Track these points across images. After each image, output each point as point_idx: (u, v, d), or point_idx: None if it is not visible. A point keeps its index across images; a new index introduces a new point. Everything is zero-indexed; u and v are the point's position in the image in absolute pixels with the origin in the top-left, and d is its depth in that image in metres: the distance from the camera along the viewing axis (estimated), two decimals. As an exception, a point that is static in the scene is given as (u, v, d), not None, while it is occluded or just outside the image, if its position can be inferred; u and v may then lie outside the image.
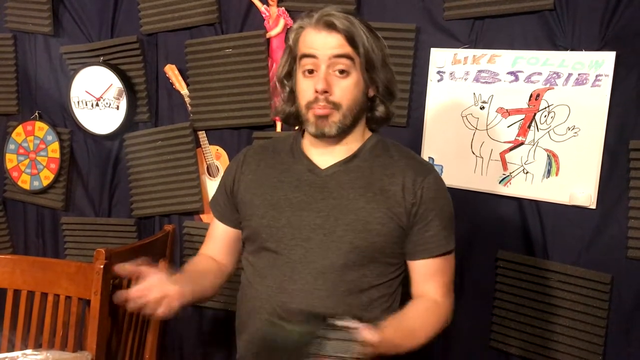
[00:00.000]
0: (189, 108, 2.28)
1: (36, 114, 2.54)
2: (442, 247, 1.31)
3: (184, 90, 2.28)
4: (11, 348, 1.71)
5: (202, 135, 2.29)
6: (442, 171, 1.91)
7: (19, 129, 2.56)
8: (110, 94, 2.37)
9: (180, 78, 2.27)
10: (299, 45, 1.29)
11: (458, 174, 1.90)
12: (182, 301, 1.21)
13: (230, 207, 1.42)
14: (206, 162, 2.30)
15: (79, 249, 2.54)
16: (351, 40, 1.22)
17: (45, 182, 2.53)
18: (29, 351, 1.55)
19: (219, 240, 1.45)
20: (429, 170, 1.33)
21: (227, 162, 2.28)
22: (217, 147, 2.29)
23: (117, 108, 2.37)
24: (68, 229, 2.56)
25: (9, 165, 2.59)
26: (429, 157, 1.92)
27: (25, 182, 2.57)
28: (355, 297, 1.25)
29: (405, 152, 1.37)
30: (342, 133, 1.29)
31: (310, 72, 1.25)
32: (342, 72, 1.24)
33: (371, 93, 1.32)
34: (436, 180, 1.32)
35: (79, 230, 2.54)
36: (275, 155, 1.39)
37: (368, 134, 1.37)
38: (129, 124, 2.39)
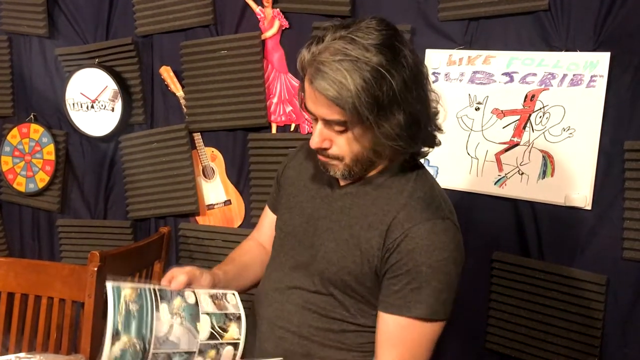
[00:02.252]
0: (184, 110, 2.27)
1: (31, 116, 2.54)
2: (403, 308, 1.09)
3: (179, 92, 2.27)
4: (5, 351, 1.70)
5: (197, 137, 2.28)
6: (437, 173, 1.91)
7: (14, 131, 2.55)
8: (106, 95, 2.36)
9: (175, 80, 2.27)
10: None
11: (453, 175, 1.90)
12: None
13: (277, 195, 1.40)
14: (202, 164, 2.29)
15: (74, 251, 2.54)
16: (340, 104, 1.04)
17: (41, 185, 2.53)
18: (22, 354, 1.53)
19: (267, 228, 1.42)
20: (428, 220, 1.10)
21: (223, 164, 2.27)
22: (213, 149, 2.28)
23: (113, 110, 2.36)
24: (64, 231, 2.55)
25: (4, 167, 2.58)
26: (425, 159, 1.92)
27: (20, 184, 2.57)
28: (325, 322, 1.19)
29: (421, 191, 1.15)
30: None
31: (315, 119, 1.13)
32: (339, 127, 1.08)
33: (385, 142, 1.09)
34: (430, 234, 1.08)
35: (74, 232, 2.54)
36: (316, 157, 1.27)
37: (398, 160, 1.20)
38: (124, 125, 2.39)
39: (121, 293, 1.07)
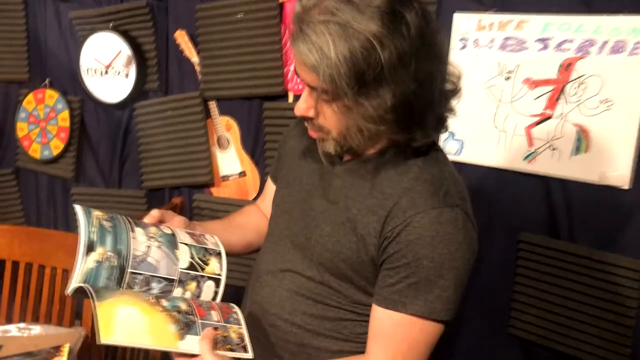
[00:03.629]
0: (199, 77, 2.18)
1: (47, 81, 2.48)
2: (398, 304, 0.97)
3: (194, 58, 2.18)
4: (10, 321, 1.67)
5: (212, 105, 2.19)
6: (462, 147, 1.78)
7: (30, 97, 2.50)
8: (120, 61, 2.28)
9: (190, 45, 2.17)
10: None
11: (479, 149, 1.77)
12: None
13: (277, 165, 1.29)
14: (216, 133, 2.21)
15: (89, 221, 2.49)
16: (317, 72, 0.90)
17: (55, 152, 2.48)
18: (22, 324, 1.49)
19: (268, 198, 1.31)
20: (433, 208, 0.95)
21: (238, 134, 2.18)
22: (228, 118, 2.19)
23: (127, 76, 2.29)
24: (78, 199, 2.51)
25: (19, 134, 2.54)
26: (449, 132, 1.80)
27: (35, 151, 2.53)
28: (320, 310, 1.08)
29: (429, 173, 1.00)
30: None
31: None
32: (324, 96, 0.94)
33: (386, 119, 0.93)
34: (435, 223, 0.95)
35: (89, 201, 2.49)
36: None
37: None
38: (139, 92, 2.31)
39: (91, 213, 0.99)
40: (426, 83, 0.93)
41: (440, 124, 1.01)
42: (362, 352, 1.04)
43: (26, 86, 2.54)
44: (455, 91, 1.01)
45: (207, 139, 2.21)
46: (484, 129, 1.76)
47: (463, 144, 1.79)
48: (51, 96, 2.46)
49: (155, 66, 2.28)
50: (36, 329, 1.49)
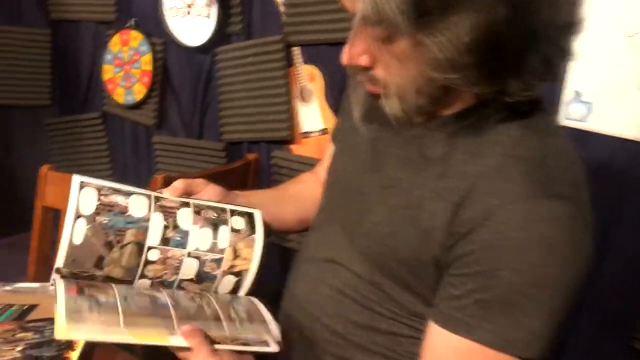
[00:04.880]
0: (283, 18, 1.93)
1: (132, 22, 2.35)
2: (461, 324, 0.70)
3: (278, -4, 1.93)
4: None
5: (296, 51, 1.94)
6: (590, 110, 1.40)
7: (116, 38, 2.39)
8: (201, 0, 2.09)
9: (274, -20, 1.93)
10: None
11: (613, 115, 1.38)
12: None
13: (339, 122, 1.06)
14: (299, 83, 1.96)
15: (169, 170, 2.38)
16: None
17: (138, 97, 2.36)
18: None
19: (326, 164, 1.07)
20: (528, 198, 0.66)
21: (322, 86, 1.92)
22: (312, 67, 1.93)
23: (208, 16, 2.09)
24: (159, 148, 2.40)
25: (105, 76, 2.45)
26: (575, 91, 1.42)
27: (120, 95, 2.43)
28: (369, 318, 0.82)
29: (526, 147, 0.70)
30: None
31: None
32: (380, 32, 0.67)
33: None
34: (529, 221, 0.66)
35: (169, 150, 2.38)
36: None
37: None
38: (221, 35, 2.11)
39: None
40: (525, 7, 0.61)
41: (547, 69, 0.68)
42: None
43: (112, 27, 2.43)
44: (571, 23, 0.68)
45: (288, 89, 1.97)
46: (622, 89, 1.36)
47: (591, 108, 1.41)
48: (135, 38, 2.33)
49: (238, 6, 2.06)
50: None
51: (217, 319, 0.78)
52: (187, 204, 0.88)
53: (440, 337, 0.72)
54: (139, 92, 2.36)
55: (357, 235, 0.82)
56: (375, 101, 0.76)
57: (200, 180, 0.94)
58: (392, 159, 0.81)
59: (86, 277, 0.81)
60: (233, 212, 0.90)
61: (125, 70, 2.38)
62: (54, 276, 0.80)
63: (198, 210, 0.87)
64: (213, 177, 1.64)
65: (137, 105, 2.39)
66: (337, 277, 0.84)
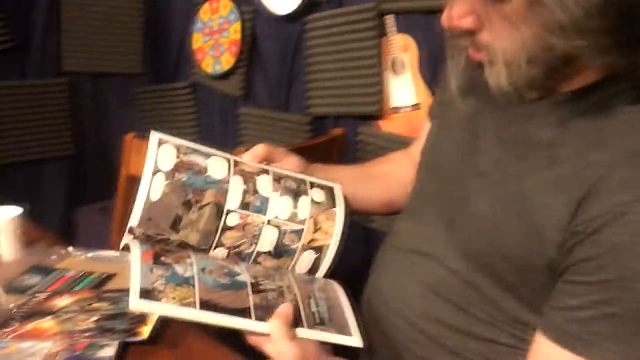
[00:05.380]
0: (377, -16, 1.82)
1: (223, -12, 2.32)
2: (579, 342, 0.59)
3: (373, -39, 1.82)
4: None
5: (389, 19, 1.82)
6: None
7: (206, 6, 2.36)
8: (292, -35, 2.01)
9: (369, -56, 1.81)
10: None
11: None
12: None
13: (438, 97, 0.96)
14: (391, 54, 1.85)
15: (254, 143, 2.35)
16: None
17: (226, 67, 2.33)
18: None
19: (421, 143, 0.98)
20: None
21: (416, 56, 1.80)
22: (406, 36, 1.81)
23: (298, -17, 2.01)
24: (245, 120, 2.37)
25: (195, 45, 2.44)
26: None
27: (208, 65, 2.41)
28: (465, 321, 0.72)
29: None
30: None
31: None
32: None
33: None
34: None
35: (255, 122, 2.34)
36: None
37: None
38: (311, 3, 2.02)
39: None
40: None
41: None
42: None
43: (203, -6, 2.41)
44: None
45: (379, 60, 1.86)
46: None
47: None
48: (225, 6, 2.29)
49: (330, -28, 1.97)
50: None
51: (297, 308, 0.71)
52: (266, 171, 0.82)
53: (549, 352, 0.61)
54: (227, 61, 2.33)
55: (455, 227, 0.72)
56: (478, 71, 0.65)
57: (281, 149, 0.90)
58: (493, 140, 0.70)
59: (160, 241, 0.76)
60: (313, 185, 0.84)
61: (214, 39, 2.36)
62: (127, 237, 0.76)
63: (277, 179, 0.82)
64: (296, 152, 1.60)
65: (225, 75, 2.36)
66: (429, 272, 0.75)
